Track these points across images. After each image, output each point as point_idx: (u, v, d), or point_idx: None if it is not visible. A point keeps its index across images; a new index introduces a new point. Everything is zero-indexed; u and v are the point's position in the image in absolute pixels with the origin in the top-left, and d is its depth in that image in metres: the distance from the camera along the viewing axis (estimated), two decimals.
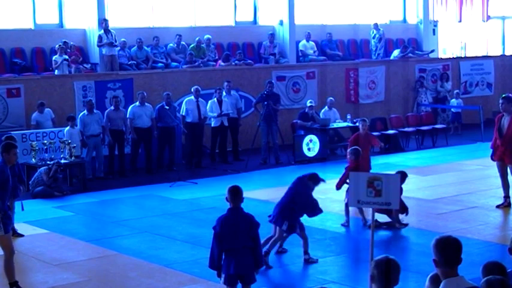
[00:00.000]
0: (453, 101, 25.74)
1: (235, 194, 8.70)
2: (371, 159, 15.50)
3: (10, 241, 10.32)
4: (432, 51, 27.93)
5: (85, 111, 18.83)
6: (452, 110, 25.80)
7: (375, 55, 26.43)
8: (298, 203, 11.57)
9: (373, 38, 26.51)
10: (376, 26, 26.29)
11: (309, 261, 11.59)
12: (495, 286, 5.54)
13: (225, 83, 20.93)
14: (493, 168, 15.36)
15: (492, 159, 14.93)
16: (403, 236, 13.18)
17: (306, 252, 11.66)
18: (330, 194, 14.15)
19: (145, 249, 12.57)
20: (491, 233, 13.05)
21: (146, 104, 19.53)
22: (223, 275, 8.77)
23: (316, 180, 11.71)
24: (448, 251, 5.41)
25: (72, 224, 14.65)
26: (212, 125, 20.43)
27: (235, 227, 8.65)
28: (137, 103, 19.48)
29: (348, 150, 13.82)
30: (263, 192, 16.22)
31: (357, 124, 17.16)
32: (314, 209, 11.75)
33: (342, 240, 13.13)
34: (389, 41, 27.84)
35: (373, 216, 9.61)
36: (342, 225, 13.65)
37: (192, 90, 20.13)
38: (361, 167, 13.35)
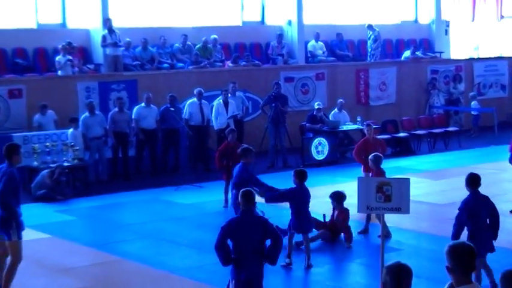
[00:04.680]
0: (473, 104, 25.77)
1: (248, 198, 8.78)
2: None
3: (21, 247, 10.38)
4: (442, 53, 27.87)
5: (87, 113, 18.85)
6: (472, 112, 25.87)
7: (370, 57, 25.95)
8: None
9: (368, 39, 25.89)
10: (370, 26, 25.69)
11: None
12: None
13: (230, 85, 20.86)
14: (507, 172, 15.32)
15: (510, 162, 14.96)
16: (415, 242, 13.13)
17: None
18: None
19: (150, 255, 12.55)
20: (506, 239, 12.95)
21: (151, 105, 19.54)
22: (232, 282, 8.76)
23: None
24: (462, 257, 5.41)
25: (75, 228, 14.66)
26: (215, 128, 20.33)
27: (248, 229, 8.67)
28: (143, 104, 19.51)
29: (370, 157, 13.63)
30: None
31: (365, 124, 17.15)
32: None
33: (352, 246, 13.08)
34: (401, 41, 27.81)
35: (382, 221, 9.58)
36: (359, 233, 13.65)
37: (195, 92, 20.09)
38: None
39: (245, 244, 8.63)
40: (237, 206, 11.69)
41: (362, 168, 15.10)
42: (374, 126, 16.65)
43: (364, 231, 13.63)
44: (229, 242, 8.69)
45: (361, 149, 15.28)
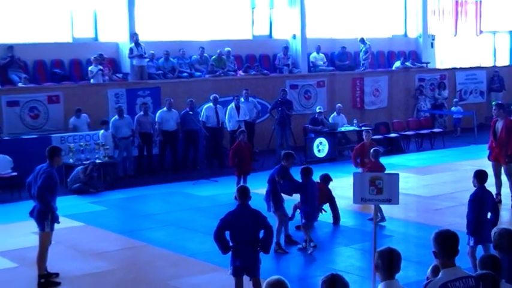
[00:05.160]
0: (454, 109, 25.79)
1: (244, 193, 8.78)
2: None
3: (50, 238, 10.39)
4: (428, 63, 27.83)
5: (116, 116, 18.88)
6: (454, 115, 25.87)
7: (361, 66, 25.80)
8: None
9: (360, 51, 25.78)
10: (362, 40, 25.61)
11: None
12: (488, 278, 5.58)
13: (244, 91, 20.89)
14: (486, 168, 15.18)
15: (489, 159, 14.93)
16: (404, 230, 13.10)
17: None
18: (337, 191, 14.09)
19: (171, 241, 12.56)
20: None
21: (173, 109, 19.55)
22: (230, 267, 8.80)
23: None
24: (447, 243, 5.40)
25: (106, 217, 14.68)
26: (228, 129, 20.35)
27: (243, 221, 8.67)
28: (165, 108, 19.50)
29: (371, 151, 13.83)
30: None
31: (363, 128, 17.16)
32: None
33: (348, 233, 13.07)
34: (392, 53, 27.74)
35: (375, 212, 9.59)
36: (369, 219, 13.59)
37: (211, 98, 20.09)
38: (378, 169, 13.21)
39: (240, 234, 8.64)
40: (268, 200, 11.77)
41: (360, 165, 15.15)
42: (367, 128, 16.69)
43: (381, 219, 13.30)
44: (228, 232, 8.73)
45: (358, 152, 15.39)
